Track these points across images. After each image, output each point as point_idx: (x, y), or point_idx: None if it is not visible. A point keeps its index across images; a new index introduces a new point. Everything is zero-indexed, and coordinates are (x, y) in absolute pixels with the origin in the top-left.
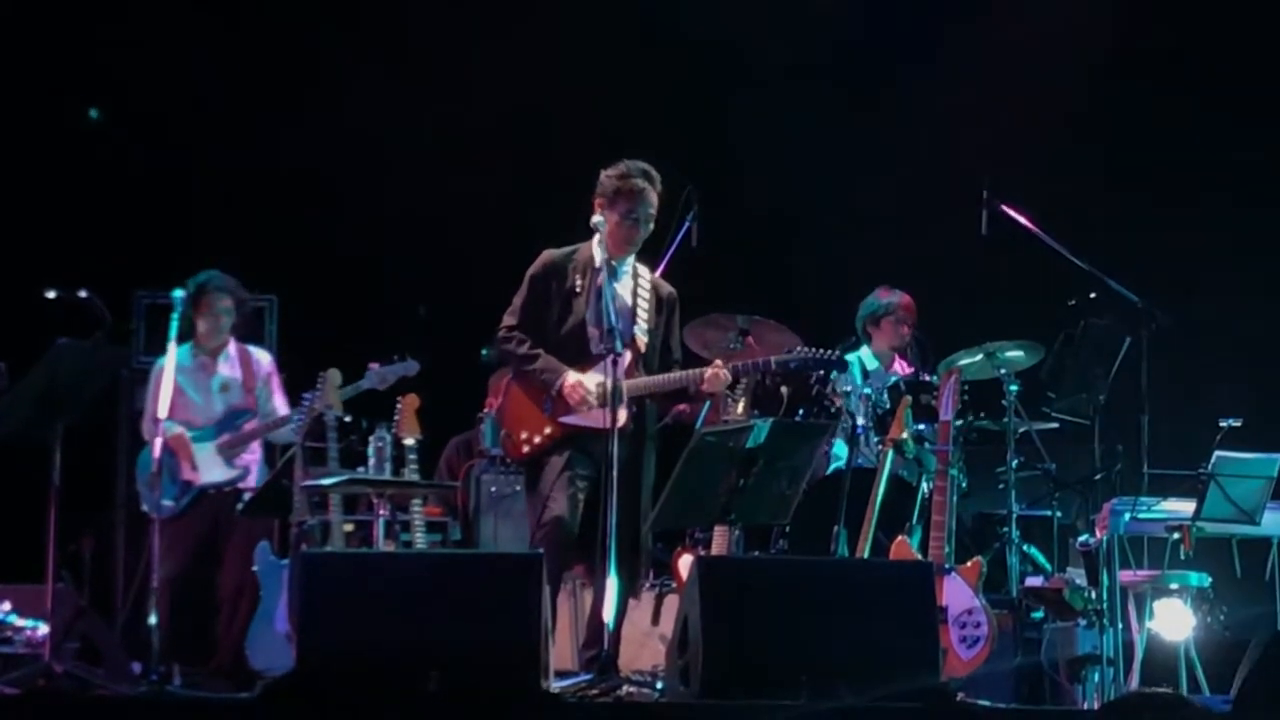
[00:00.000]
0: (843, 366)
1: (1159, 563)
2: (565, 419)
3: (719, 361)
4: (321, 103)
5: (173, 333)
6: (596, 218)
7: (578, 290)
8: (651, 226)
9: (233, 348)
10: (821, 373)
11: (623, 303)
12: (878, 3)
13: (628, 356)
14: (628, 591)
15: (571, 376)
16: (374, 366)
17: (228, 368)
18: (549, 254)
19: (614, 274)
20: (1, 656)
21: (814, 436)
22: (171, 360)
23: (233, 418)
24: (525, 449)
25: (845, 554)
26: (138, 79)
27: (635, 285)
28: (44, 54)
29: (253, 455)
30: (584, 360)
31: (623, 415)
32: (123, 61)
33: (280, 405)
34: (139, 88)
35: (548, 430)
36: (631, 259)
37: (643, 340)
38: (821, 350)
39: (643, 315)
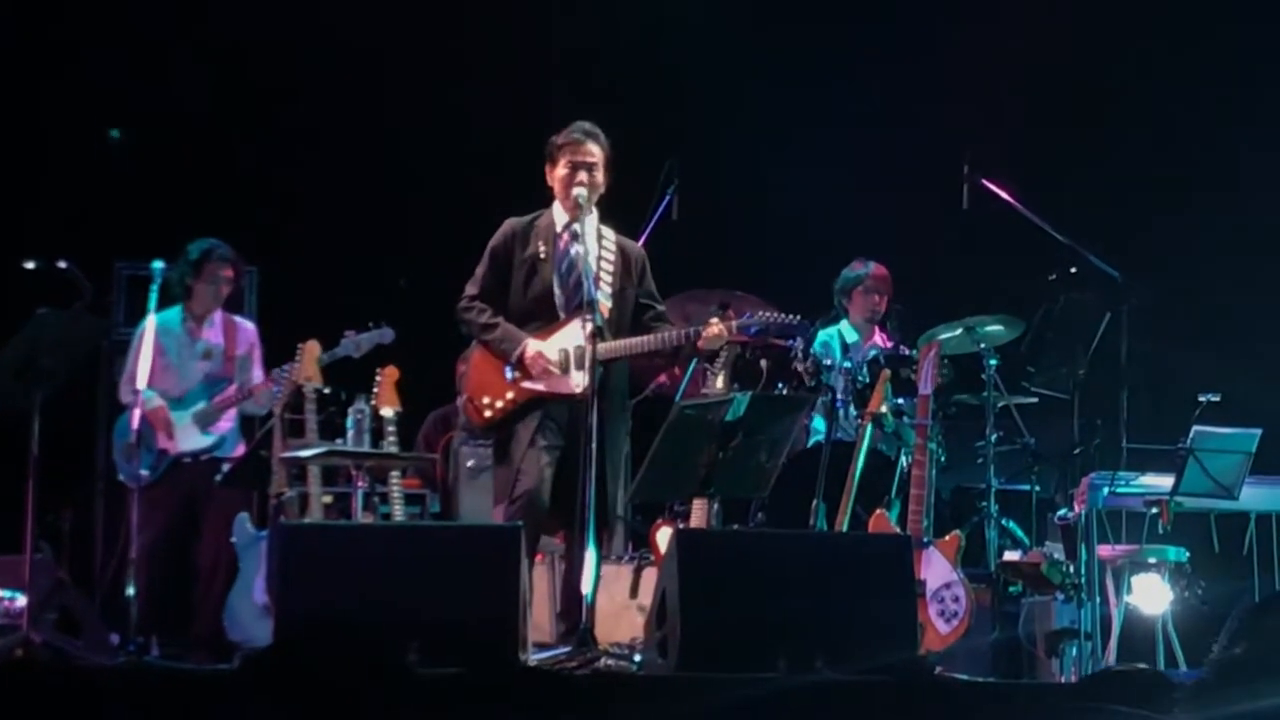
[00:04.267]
0: (803, 332)
1: (1137, 537)
2: (527, 384)
3: (715, 320)
4: (303, 72)
5: (152, 302)
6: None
7: (542, 256)
8: (599, 180)
9: (218, 315)
10: (800, 345)
11: (587, 266)
12: None
13: (589, 325)
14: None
15: (532, 347)
16: (350, 334)
17: (212, 335)
18: (510, 223)
19: (576, 237)
20: None
21: (793, 410)
22: (151, 327)
23: (211, 385)
24: (487, 414)
25: (824, 527)
26: (118, 50)
27: (600, 249)
28: (24, 24)
29: (228, 423)
30: (552, 325)
31: (583, 381)
32: (102, 33)
33: (258, 377)
34: (119, 59)
35: (510, 395)
36: (593, 221)
37: (606, 305)
38: (784, 315)
39: (606, 279)
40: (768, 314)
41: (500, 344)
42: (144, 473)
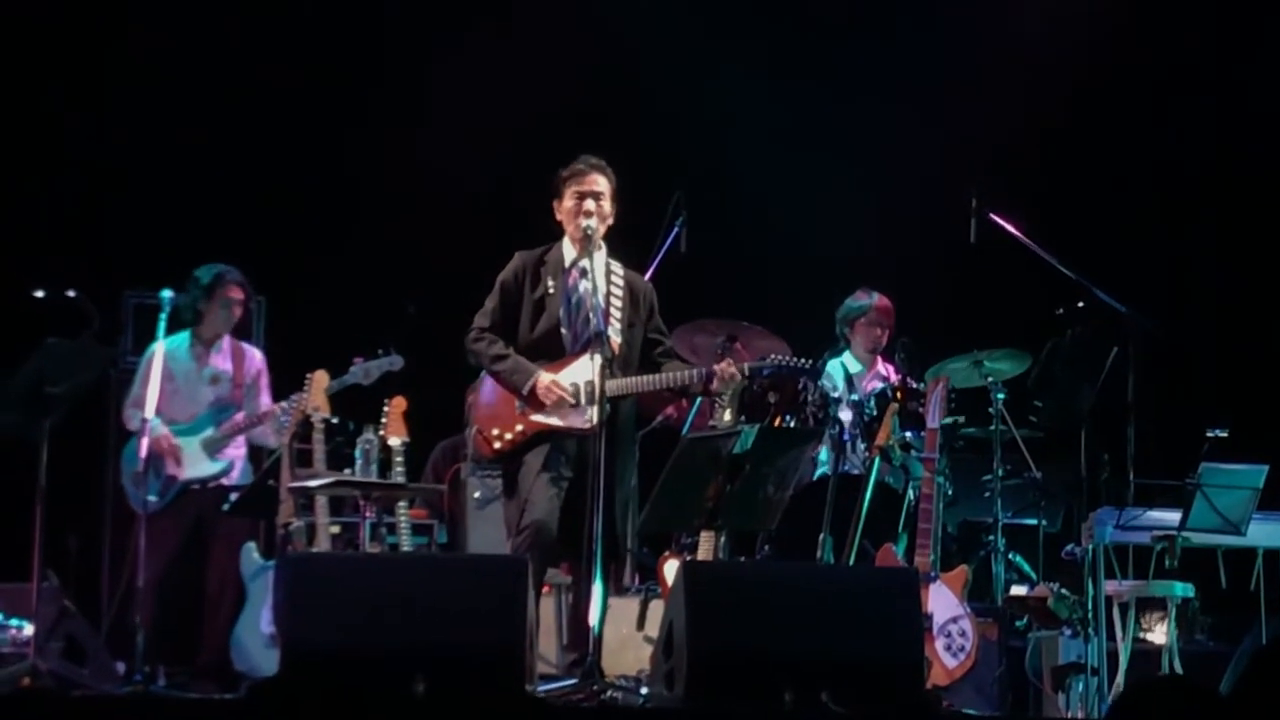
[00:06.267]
0: (815, 375)
1: (1144, 573)
2: (537, 417)
3: (728, 361)
4: (310, 101)
5: (160, 331)
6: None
7: (550, 291)
8: (607, 211)
9: (226, 342)
10: (806, 379)
11: (596, 303)
12: (869, 8)
13: (599, 359)
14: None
15: (545, 377)
16: (358, 361)
17: (220, 360)
18: (521, 256)
19: (584, 274)
20: None
21: (801, 442)
22: (160, 355)
23: (219, 411)
24: (496, 445)
25: (830, 560)
26: (128, 80)
27: (609, 285)
28: (35, 53)
29: (237, 450)
30: (559, 361)
31: (593, 416)
32: (113, 61)
33: (265, 403)
34: (129, 89)
35: (519, 428)
36: (602, 257)
37: (616, 341)
38: (796, 358)
39: (616, 315)
40: (779, 357)
41: (511, 375)
42: (152, 499)
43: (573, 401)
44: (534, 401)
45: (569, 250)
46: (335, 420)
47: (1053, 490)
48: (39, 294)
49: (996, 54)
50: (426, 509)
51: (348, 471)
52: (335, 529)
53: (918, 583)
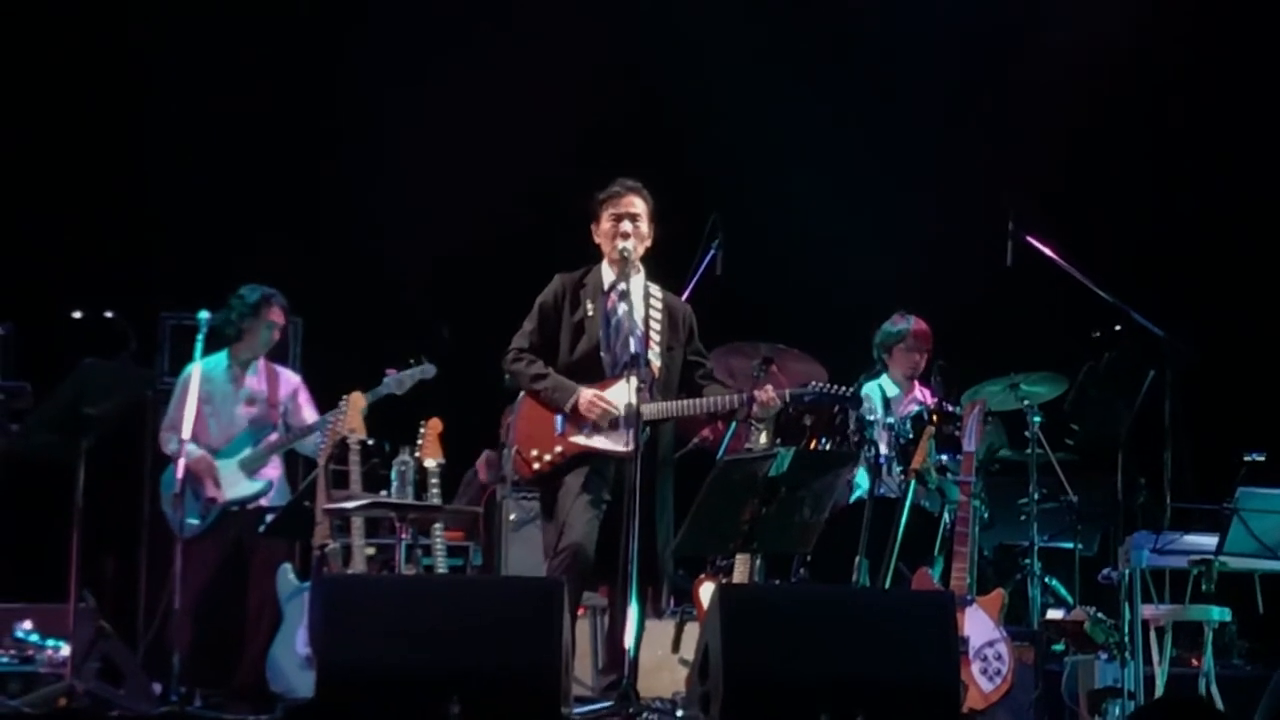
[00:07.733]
0: (856, 404)
1: (1181, 597)
2: (575, 439)
3: (769, 386)
4: (347, 125)
5: (198, 352)
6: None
7: (589, 314)
8: (645, 232)
9: (261, 363)
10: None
11: (634, 326)
12: (904, 35)
13: (635, 381)
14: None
15: (588, 392)
16: (391, 372)
17: (255, 382)
18: (560, 279)
19: (623, 297)
20: (23, 676)
21: (837, 466)
22: (197, 376)
23: (255, 432)
24: (535, 466)
25: (867, 584)
26: (165, 102)
27: (647, 308)
28: (74, 75)
29: (274, 470)
30: (597, 385)
31: (632, 439)
32: (151, 84)
33: (310, 417)
34: (167, 112)
35: (558, 449)
36: (640, 280)
37: (655, 364)
38: (837, 386)
39: (655, 338)
40: (819, 384)
41: (552, 394)
42: (193, 522)
43: (617, 413)
44: (576, 419)
45: (608, 273)
46: (371, 442)
47: (1089, 514)
48: (76, 315)
49: (1032, 76)
50: (462, 530)
51: (383, 493)
52: (371, 550)
53: (954, 606)
